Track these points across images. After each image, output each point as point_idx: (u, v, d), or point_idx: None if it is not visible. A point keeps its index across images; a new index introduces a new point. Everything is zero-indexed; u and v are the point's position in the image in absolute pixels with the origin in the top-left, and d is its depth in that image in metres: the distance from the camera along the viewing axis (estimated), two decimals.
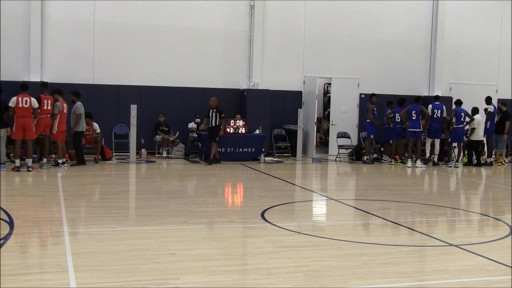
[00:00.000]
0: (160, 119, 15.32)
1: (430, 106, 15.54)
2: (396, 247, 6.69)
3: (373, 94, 15.87)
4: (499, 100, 17.37)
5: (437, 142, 15.80)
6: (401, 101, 15.61)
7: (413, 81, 18.35)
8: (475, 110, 15.72)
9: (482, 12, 18.90)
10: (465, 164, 15.91)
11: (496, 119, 16.21)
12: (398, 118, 15.46)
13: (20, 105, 11.87)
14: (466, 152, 16.12)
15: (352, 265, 5.82)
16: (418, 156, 15.39)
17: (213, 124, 14.21)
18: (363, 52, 17.79)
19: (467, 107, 15.73)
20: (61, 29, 15.20)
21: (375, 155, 16.27)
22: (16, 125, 11.90)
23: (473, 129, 15.62)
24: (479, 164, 15.81)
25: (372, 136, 15.57)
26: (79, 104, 13.22)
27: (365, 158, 15.63)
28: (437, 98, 15.97)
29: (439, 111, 15.48)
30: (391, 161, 15.60)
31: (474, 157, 15.96)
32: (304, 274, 5.47)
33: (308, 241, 6.89)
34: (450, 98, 16.98)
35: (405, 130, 15.45)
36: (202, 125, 14.89)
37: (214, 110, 14.25)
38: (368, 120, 15.63)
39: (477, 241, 7.08)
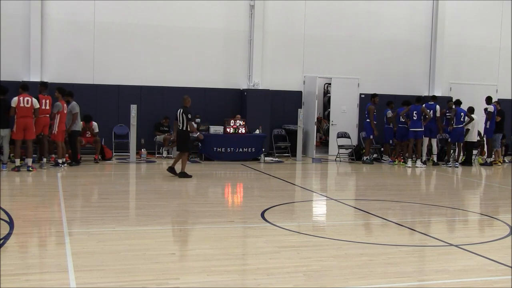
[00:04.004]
0: (163, 122, 15.34)
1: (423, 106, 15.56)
2: (396, 247, 6.69)
3: (375, 95, 15.84)
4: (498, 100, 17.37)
5: (434, 142, 15.81)
6: (405, 102, 15.63)
7: (413, 81, 18.35)
8: (471, 110, 15.76)
9: (482, 12, 18.90)
10: (462, 164, 15.92)
11: (496, 119, 16.21)
12: (402, 119, 15.47)
13: (22, 105, 11.89)
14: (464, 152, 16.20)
15: (352, 265, 5.82)
16: (418, 156, 15.40)
17: (184, 128, 11.86)
18: (363, 52, 17.78)
19: (467, 107, 15.76)
20: (61, 29, 15.21)
21: (375, 155, 16.27)
22: (17, 125, 11.90)
23: (467, 130, 15.64)
24: (470, 164, 15.90)
25: (372, 136, 15.57)
26: (74, 103, 13.25)
27: (365, 158, 15.62)
28: (434, 98, 16.00)
29: (431, 111, 15.50)
30: (394, 161, 15.60)
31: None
32: (304, 274, 5.47)
33: (308, 241, 6.89)
34: (450, 98, 16.97)
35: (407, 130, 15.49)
36: (172, 132, 12.77)
37: (181, 110, 11.90)
38: (368, 120, 15.62)
39: (477, 241, 7.08)
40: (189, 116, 11.85)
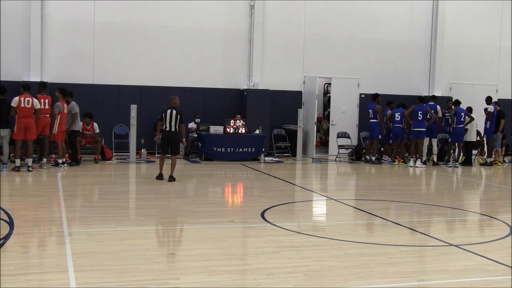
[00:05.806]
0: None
1: None
2: (396, 247, 6.69)
3: (377, 95, 15.82)
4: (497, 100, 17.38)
5: (434, 142, 15.81)
6: (401, 105, 15.69)
7: (413, 81, 18.35)
8: (470, 110, 15.76)
9: (482, 12, 18.91)
10: (462, 164, 15.92)
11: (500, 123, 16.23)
12: (398, 117, 15.44)
13: (22, 105, 11.89)
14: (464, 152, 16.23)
15: (352, 265, 5.82)
16: (419, 156, 15.40)
17: (173, 129, 11.10)
18: (363, 52, 17.79)
19: (466, 107, 15.78)
20: (61, 29, 15.21)
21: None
22: (18, 125, 11.90)
23: (466, 130, 15.65)
24: (470, 164, 15.91)
25: (380, 136, 15.55)
26: (74, 103, 13.25)
27: (373, 158, 15.51)
28: (433, 98, 16.03)
29: (432, 111, 15.49)
30: (394, 161, 15.59)
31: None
32: (304, 274, 5.47)
33: (308, 241, 6.89)
34: (450, 98, 16.98)
35: (405, 131, 15.47)
36: (157, 134, 11.83)
37: (174, 110, 11.11)
38: (372, 121, 15.53)
39: (477, 241, 7.08)
40: (184, 117, 11.22)
